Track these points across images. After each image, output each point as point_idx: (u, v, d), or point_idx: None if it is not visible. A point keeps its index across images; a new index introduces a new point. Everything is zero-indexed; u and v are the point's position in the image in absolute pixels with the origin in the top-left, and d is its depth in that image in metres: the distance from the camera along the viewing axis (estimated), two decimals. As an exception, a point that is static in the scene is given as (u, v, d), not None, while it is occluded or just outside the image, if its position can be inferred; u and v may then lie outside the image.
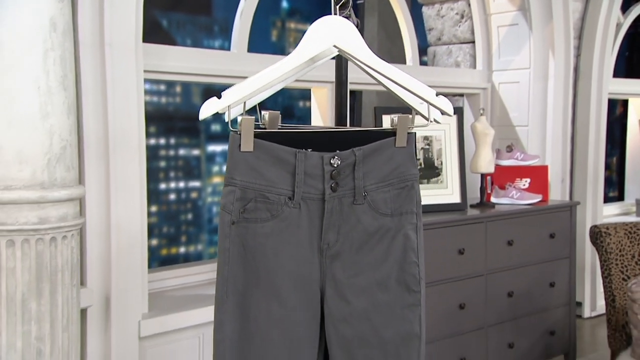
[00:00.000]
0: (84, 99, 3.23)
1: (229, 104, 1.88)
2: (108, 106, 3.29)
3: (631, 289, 3.57)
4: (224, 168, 1.93)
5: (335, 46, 1.96)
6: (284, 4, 5.90)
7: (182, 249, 5.76)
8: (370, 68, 1.99)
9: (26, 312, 2.69)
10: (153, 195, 5.37)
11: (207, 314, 3.45)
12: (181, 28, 5.44)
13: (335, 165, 1.94)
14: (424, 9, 6.05)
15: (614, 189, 7.61)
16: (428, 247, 3.74)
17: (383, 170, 1.99)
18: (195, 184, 5.68)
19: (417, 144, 4.14)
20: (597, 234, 4.12)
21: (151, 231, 5.31)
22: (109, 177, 3.32)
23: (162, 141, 5.42)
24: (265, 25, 5.74)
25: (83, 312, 3.25)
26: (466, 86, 5.58)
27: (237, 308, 1.94)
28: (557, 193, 5.61)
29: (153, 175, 5.34)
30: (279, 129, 1.98)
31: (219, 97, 1.88)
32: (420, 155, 4.28)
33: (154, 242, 5.53)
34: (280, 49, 5.35)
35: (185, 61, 3.89)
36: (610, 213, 6.72)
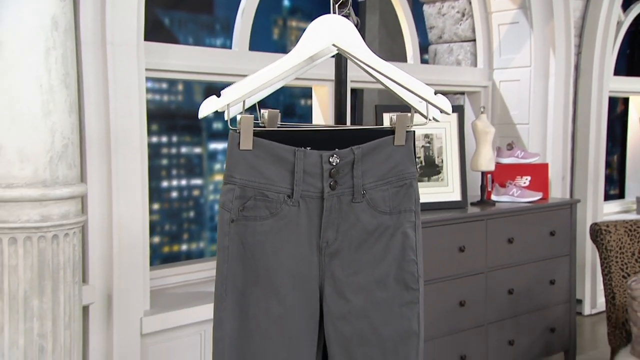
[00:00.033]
0: (85, 98, 3.24)
1: (228, 103, 1.89)
2: (110, 104, 3.31)
3: (631, 287, 3.57)
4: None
5: (334, 45, 1.97)
6: (286, 3, 5.91)
7: (184, 247, 5.77)
8: (369, 67, 1.99)
9: (28, 309, 2.70)
10: (155, 193, 5.38)
11: (208, 311, 3.45)
12: (183, 26, 5.46)
13: (334, 164, 1.94)
14: (425, 8, 6.06)
15: (615, 186, 7.61)
16: (428, 245, 3.77)
17: (382, 168, 2.00)
18: (197, 181, 5.69)
19: (418, 142, 4.21)
20: (598, 232, 4.13)
21: (153, 229, 5.33)
22: (111, 175, 3.33)
23: (164, 139, 5.44)
24: (266, 23, 5.75)
25: (85, 309, 3.27)
26: (467, 84, 5.59)
27: (237, 306, 1.95)
28: (558, 191, 5.62)
29: (155, 173, 5.36)
30: (278, 127, 1.99)
31: (218, 95, 1.89)
32: (421, 153, 4.29)
33: (156, 239, 5.54)
34: (282, 47, 5.36)
35: (186, 59, 3.90)
36: (611, 211, 6.72)
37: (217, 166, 5.92)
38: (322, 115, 4.64)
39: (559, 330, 4.67)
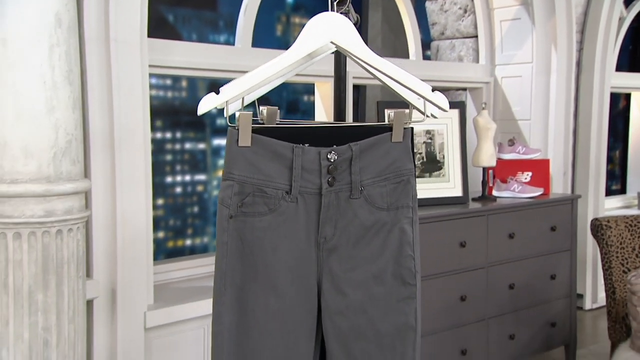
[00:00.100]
0: (89, 94, 3.25)
1: (227, 100, 1.90)
2: (113, 101, 3.32)
3: (630, 282, 3.59)
4: (226, 163, 1.97)
5: (332, 42, 1.98)
6: (289, -1, 5.95)
7: (188, 242, 5.79)
8: (367, 64, 2.00)
9: (33, 303, 2.72)
10: (159, 188, 5.41)
11: (211, 305, 3.49)
12: (187, 23, 5.48)
13: (332, 160, 1.95)
14: (428, 4, 6.07)
15: (617, 182, 7.61)
16: (430, 240, 3.81)
17: (379, 165, 2.01)
18: (201, 177, 5.71)
19: (419, 137, 4.23)
20: (598, 227, 4.14)
21: (158, 224, 5.35)
22: (115, 171, 3.34)
23: (168, 135, 5.46)
24: (270, 20, 5.78)
25: (89, 304, 3.28)
26: (469, 80, 5.59)
27: (235, 301, 1.96)
28: (559, 186, 5.62)
29: (159, 169, 5.38)
30: (277, 124, 2.00)
31: (217, 92, 1.90)
32: (422, 149, 4.30)
33: (161, 234, 5.56)
34: (285, 44, 5.38)
35: (189, 56, 3.92)
36: (613, 206, 6.72)
37: (221, 162, 5.93)
38: (324, 111, 4.65)
39: (560, 324, 4.67)
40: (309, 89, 5.33)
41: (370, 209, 2.01)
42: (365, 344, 2.04)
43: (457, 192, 4.36)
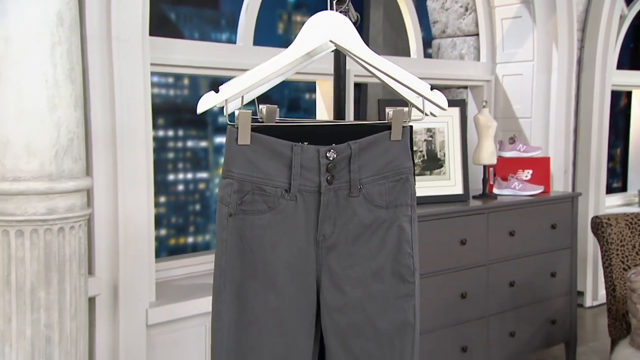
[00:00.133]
0: (91, 92, 3.26)
1: (226, 98, 1.91)
2: (115, 99, 3.32)
3: (630, 279, 3.60)
4: (229, 160, 1.97)
5: (331, 41, 1.98)
6: (290, -3, 5.97)
7: (190, 239, 5.81)
8: (365, 62, 2.01)
9: (35, 300, 2.73)
10: (162, 186, 5.42)
11: (212, 303, 3.51)
12: (189, 22, 5.49)
13: (331, 159, 1.96)
14: (429, 2, 6.07)
15: (618, 179, 7.62)
16: (430, 238, 3.82)
17: (378, 163, 2.02)
18: (203, 175, 5.72)
19: (420, 135, 4.24)
20: (599, 225, 4.15)
21: (160, 221, 5.37)
22: (117, 169, 3.35)
23: (171, 133, 5.47)
24: (271, 18, 5.79)
25: (92, 301, 3.29)
26: (470, 78, 5.60)
27: (235, 298, 1.97)
28: (560, 184, 5.63)
29: (162, 167, 5.39)
30: (276, 123, 2.01)
31: (217, 91, 1.90)
32: (423, 147, 4.31)
33: (163, 232, 5.58)
34: (286, 42, 5.38)
35: (191, 54, 3.92)
36: (613, 204, 6.73)
37: (223, 160, 5.97)
38: (325, 109, 4.66)
39: (560, 322, 4.68)
40: (311, 87, 5.34)
41: (369, 207, 2.02)
42: (364, 341, 2.05)
43: (458, 189, 4.36)
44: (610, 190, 7.08)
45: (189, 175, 5.65)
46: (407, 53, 5.46)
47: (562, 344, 4.81)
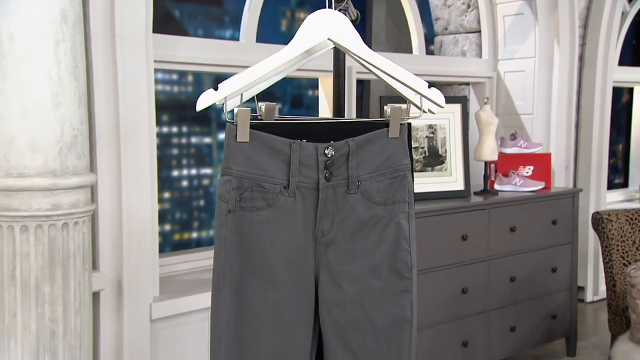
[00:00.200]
0: (95, 89, 3.27)
1: (225, 96, 1.92)
2: (119, 96, 3.33)
3: (630, 274, 3.62)
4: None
5: (329, 39, 1.99)
6: (294, -6, 5.98)
7: (194, 234, 5.82)
8: (364, 60, 2.02)
9: (40, 295, 2.74)
10: (166, 182, 5.44)
11: (215, 298, 3.52)
12: (193, 19, 5.51)
13: (329, 156, 1.97)
14: (431, -1, 6.11)
15: (620, 175, 7.62)
16: (432, 233, 3.84)
17: (376, 160, 2.03)
18: (207, 171, 5.74)
19: (422, 132, 4.27)
20: (599, 221, 4.17)
21: (164, 217, 5.39)
22: (121, 165, 3.36)
23: (175, 129, 5.49)
24: (275, 15, 5.80)
25: (96, 295, 3.31)
26: (472, 75, 5.61)
27: (234, 293, 1.99)
28: (561, 180, 5.65)
29: (166, 163, 5.41)
30: (275, 120, 2.02)
31: (216, 89, 1.92)
32: (424, 143, 4.33)
33: (167, 227, 5.60)
34: (289, 39, 5.40)
35: (194, 51, 3.94)
36: (615, 199, 6.72)
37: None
38: (328, 105, 4.68)
39: (560, 316, 4.70)
40: (313, 83, 5.36)
41: (367, 204, 2.03)
42: (362, 336, 2.06)
43: (459, 186, 4.38)
44: (611, 186, 7.09)
45: (193, 171, 5.67)
46: (409, 50, 5.47)
47: (563, 339, 4.83)
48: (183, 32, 5.26)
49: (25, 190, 2.73)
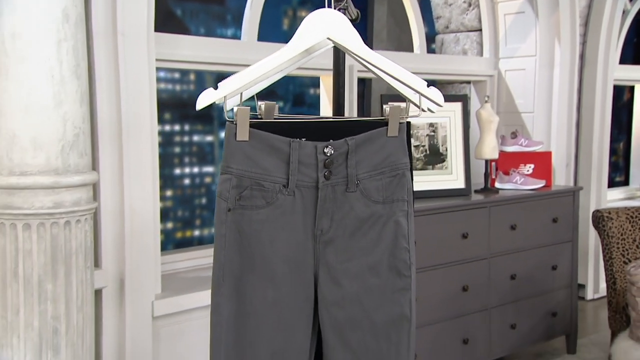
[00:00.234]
0: (97, 88, 3.28)
1: (225, 95, 1.93)
2: (121, 94, 3.34)
3: (630, 272, 3.63)
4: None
5: (328, 39, 2.00)
6: (295, -7, 5.99)
7: (196, 232, 5.83)
8: (362, 59, 2.03)
9: (42, 292, 2.76)
10: (168, 180, 5.46)
11: (216, 295, 3.53)
12: (194, 17, 5.52)
13: (328, 155, 1.98)
14: (432, -3, 6.12)
15: (621, 173, 7.63)
16: (432, 231, 3.86)
17: (375, 159, 2.03)
18: (209, 169, 5.75)
19: (423, 130, 4.28)
20: (600, 219, 4.19)
21: (167, 215, 5.41)
22: (123, 163, 3.37)
23: (177, 127, 5.51)
24: (276, 14, 5.82)
25: (98, 293, 3.32)
26: (473, 73, 5.62)
27: (234, 292, 2.00)
28: (562, 178, 5.66)
29: (168, 161, 5.43)
30: (275, 119, 2.03)
31: (216, 88, 1.92)
32: (425, 141, 4.34)
33: (170, 225, 5.61)
34: (291, 38, 5.42)
35: (196, 50, 3.95)
36: (615, 197, 6.74)
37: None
38: (329, 104, 4.69)
39: (561, 314, 4.71)
40: (315, 82, 5.37)
41: (366, 202, 2.04)
42: (361, 334, 2.07)
43: (460, 184, 4.39)
44: (613, 183, 7.10)
45: (195, 169, 5.68)
46: (410, 48, 5.48)
47: (563, 336, 4.84)
48: (185, 31, 5.28)
49: (28, 189, 2.74)
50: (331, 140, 2.00)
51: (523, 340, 4.52)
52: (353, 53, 2.03)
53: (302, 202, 2.00)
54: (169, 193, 5.57)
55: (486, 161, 4.60)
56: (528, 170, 4.78)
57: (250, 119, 1.95)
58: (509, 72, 5.67)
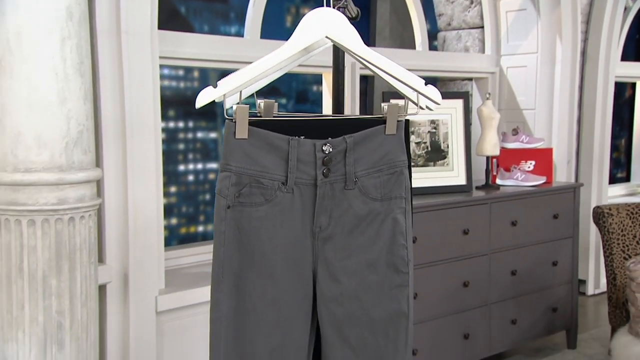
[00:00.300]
0: (101, 85, 3.30)
1: (224, 93, 1.94)
2: (125, 92, 3.36)
3: (629, 268, 3.66)
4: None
5: (327, 37, 2.01)
6: (298, -9, 6.00)
7: (200, 228, 5.85)
8: (361, 58, 2.04)
9: (47, 288, 2.77)
10: (172, 176, 5.49)
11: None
12: (198, 15, 5.54)
13: (327, 152, 1.99)
14: (434, -5, 6.13)
15: (622, 170, 7.63)
16: (434, 228, 3.88)
17: (373, 156, 2.05)
18: (213, 165, 5.77)
19: (424, 127, 4.30)
20: (600, 215, 4.20)
21: (171, 211, 5.43)
22: (126, 160, 3.38)
23: (181, 124, 5.53)
24: (279, 11, 5.84)
25: (102, 288, 3.35)
26: (475, 70, 5.63)
27: (233, 288, 2.01)
28: (563, 175, 5.67)
29: (172, 157, 5.45)
30: (274, 117, 2.04)
31: (215, 86, 1.94)
32: (427, 138, 4.36)
33: (174, 221, 5.64)
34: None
35: (199, 47, 3.96)
36: (616, 194, 6.75)
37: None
38: (332, 101, 4.70)
39: (561, 309, 4.73)
40: (318, 79, 5.39)
41: (365, 200, 2.05)
42: (359, 330, 2.09)
43: (461, 180, 4.41)
44: (614, 180, 7.10)
45: (199, 166, 5.71)
46: (413, 45, 5.49)
47: (563, 331, 4.86)
48: (188, 29, 5.29)
49: (32, 185, 2.75)
50: (330, 138, 2.01)
51: (523, 336, 4.54)
52: (351, 51, 2.05)
53: (301, 199, 2.01)
54: (173, 189, 5.60)
55: (487, 158, 4.60)
56: (529, 167, 4.79)
57: (249, 117, 1.96)
58: (511, 69, 5.69)
